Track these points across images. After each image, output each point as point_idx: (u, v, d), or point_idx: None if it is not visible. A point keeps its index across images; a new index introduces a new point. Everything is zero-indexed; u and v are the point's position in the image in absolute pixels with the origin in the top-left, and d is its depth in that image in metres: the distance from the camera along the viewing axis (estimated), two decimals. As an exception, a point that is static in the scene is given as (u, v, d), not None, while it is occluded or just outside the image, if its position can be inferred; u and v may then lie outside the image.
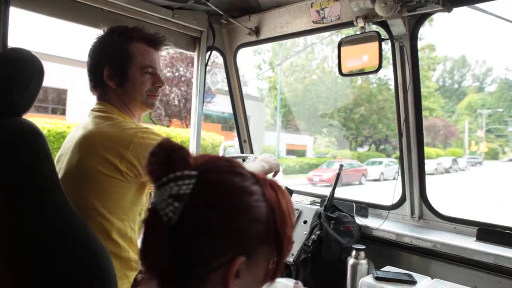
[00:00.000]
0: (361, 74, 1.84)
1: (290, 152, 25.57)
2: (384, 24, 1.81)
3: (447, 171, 31.54)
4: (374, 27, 1.88)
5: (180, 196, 0.58)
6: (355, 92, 24.18)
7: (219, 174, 0.63)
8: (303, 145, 27.42)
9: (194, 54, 2.26)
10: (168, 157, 0.59)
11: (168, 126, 13.18)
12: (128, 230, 1.23)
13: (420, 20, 1.78)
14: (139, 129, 1.22)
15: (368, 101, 24.08)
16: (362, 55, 1.85)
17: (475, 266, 1.54)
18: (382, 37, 1.79)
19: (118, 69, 1.30)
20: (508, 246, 1.55)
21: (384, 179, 19.56)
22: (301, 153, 26.08)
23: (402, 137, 1.86)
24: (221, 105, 16.95)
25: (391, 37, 1.82)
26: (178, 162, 0.60)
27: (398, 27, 1.77)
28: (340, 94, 24.96)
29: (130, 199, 1.23)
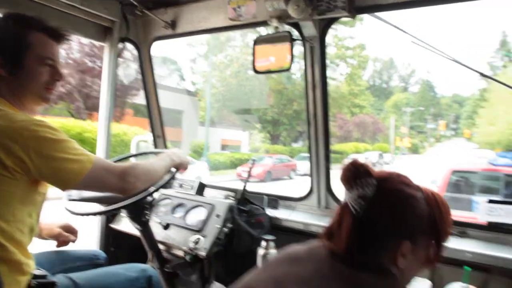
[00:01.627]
0: (273, 72, 1.91)
1: (225, 147, 25.60)
2: (296, 26, 1.89)
3: (373, 165, 33.74)
4: (288, 28, 1.95)
5: (366, 197, 0.83)
6: (288, 88, 24.84)
7: (393, 184, 0.87)
8: (238, 140, 27.61)
9: (105, 45, 2.16)
10: (357, 169, 0.85)
11: (84, 120, 12.32)
12: (15, 232, 1.14)
13: (328, 23, 1.89)
14: (31, 121, 1.13)
15: (301, 97, 24.90)
16: (274, 54, 1.91)
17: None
18: (295, 38, 1.87)
19: (11, 57, 1.21)
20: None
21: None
22: (236, 148, 26.23)
23: (311, 131, 1.96)
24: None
25: (303, 38, 1.91)
26: (363, 173, 0.84)
27: (309, 29, 1.86)
28: (274, 90, 25.48)
29: (18, 198, 1.13)
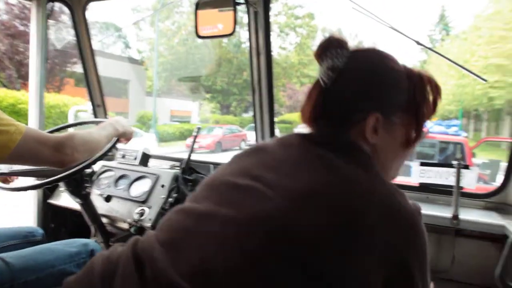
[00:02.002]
0: (217, 36, 1.85)
1: (175, 118, 25.04)
2: (240, -13, 1.83)
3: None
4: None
5: (335, 67, 0.76)
6: (238, 57, 24.52)
7: (368, 54, 0.80)
8: (188, 111, 27.10)
9: (32, 4, 1.96)
10: (329, 41, 0.77)
11: (18, 90, 11.37)
12: None
13: (272, -13, 1.85)
14: None
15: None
16: (220, 20, 1.85)
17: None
18: (238, 1, 1.82)
19: None
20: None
21: (263, 142, 20.60)
22: (186, 119, 25.76)
23: (255, 98, 1.95)
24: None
25: (247, 2, 1.85)
26: (335, 44, 0.77)
27: (252, -9, 1.81)
28: (224, 59, 25.05)
29: None
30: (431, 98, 0.80)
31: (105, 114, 2.41)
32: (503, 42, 15.74)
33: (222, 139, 18.09)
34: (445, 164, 1.70)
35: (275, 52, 23.36)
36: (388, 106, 0.77)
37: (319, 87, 0.78)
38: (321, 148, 0.72)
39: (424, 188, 1.76)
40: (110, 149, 1.47)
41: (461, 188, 1.67)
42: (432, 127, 9.27)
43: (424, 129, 0.80)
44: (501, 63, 15.99)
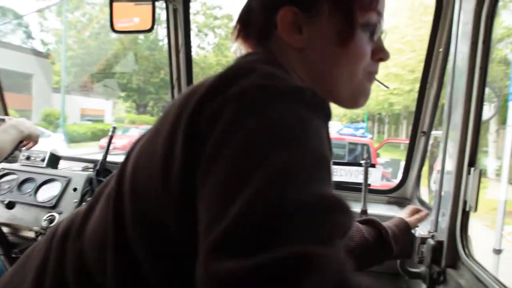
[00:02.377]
0: (134, 32, 1.78)
1: (86, 117, 23.34)
2: (159, -16, 1.78)
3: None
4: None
5: None
6: (155, 55, 23.74)
7: None
8: (101, 109, 25.47)
9: None
10: None
11: None
12: None
13: (193, -14, 1.83)
14: None
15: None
16: (138, 14, 1.78)
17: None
18: (158, -3, 1.77)
19: None
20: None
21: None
22: (99, 119, 24.19)
23: (174, 94, 1.93)
24: None
25: (166, -2, 1.82)
26: None
27: (171, -12, 1.78)
28: (140, 56, 24.06)
29: None
30: None
31: (5, 112, 2.17)
32: (400, 54, 17.57)
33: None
34: (355, 163, 1.85)
35: (194, 51, 23.12)
36: None
37: (246, 2, 0.71)
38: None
39: (337, 186, 1.90)
40: (12, 153, 1.34)
41: (369, 185, 1.83)
42: (342, 129, 10.01)
43: (365, 17, 0.63)
44: (399, 73, 17.86)
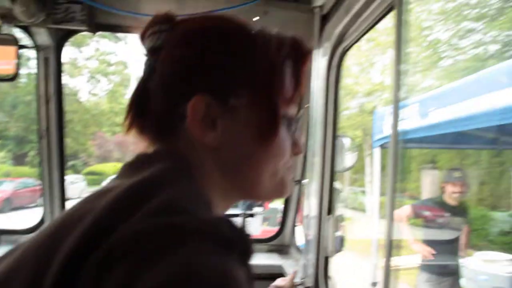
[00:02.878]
0: (-5, 79, 1.61)
1: None
2: (28, 30, 1.67)
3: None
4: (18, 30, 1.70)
5: (153, 48, 0.54)
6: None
7: (194, 22, 0.56)
8: (-35, 160, 21.94)
9: None
10: (154, 19, 0.55)
11: None
12: None
13: (67, 35, 1.76)
14: None
15: (54, 111, 22.10)
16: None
17: None
18: (26, 44, 1.65)
19: None
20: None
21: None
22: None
23: (43, 149, 1.76)
24: None
25: (36, 46, 1.70)
26: (159, 19, 0.55)
27: (42, 37, 1.68)
28: (20, 100, 21.78)
29: None
30: (290, 64, 0.55)
31: None
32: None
33: (13, 195, 15.17)
34: (232, 214, 1.87)
35: (85, 98, 21.79)
36: (221, 82, 0.52)
37: (140, 83, 0.57)
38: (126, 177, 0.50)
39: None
40: None
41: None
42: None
43: (289, 111, 0.56)
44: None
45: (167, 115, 0.53)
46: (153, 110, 0.54)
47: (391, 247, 0.83)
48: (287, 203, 1.85)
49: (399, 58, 0.78)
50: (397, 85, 0.81)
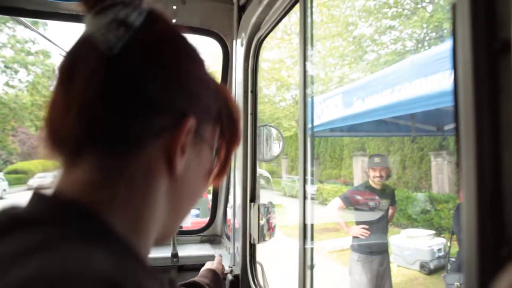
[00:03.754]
0: None
1: None
2: None
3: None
4: None
5: (129, 23, 0.42)
6: None
7: (175, 27, 0.47)
8: None
9: None
10: None
11: None
12: None
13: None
14: None
15: None
16: None
17: None
18: None
19: None
20: None
21: None
22: None
23: None
24: None
25: None
26: None
27: None
28: None
29: None
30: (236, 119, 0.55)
31: None
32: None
33: None
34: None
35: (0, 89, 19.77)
36: (200, 110, 0.47)
37: (95, 54, 0.41)
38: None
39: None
40: None
41: (180, 227, 1.84)
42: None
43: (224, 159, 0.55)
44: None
45: (127, 127, 0.41)
46: (104, 114, 0.40)
47: (306, 231, 0.88)
48: (216, 193, 1.86)
49: (305, 50, 0.81)
50: (304, 81, 0.84)
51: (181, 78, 0.45)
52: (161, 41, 0.45)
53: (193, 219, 1.85)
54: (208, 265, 1.25)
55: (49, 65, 22.97)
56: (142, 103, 0.41)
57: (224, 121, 0.52)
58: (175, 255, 1.66)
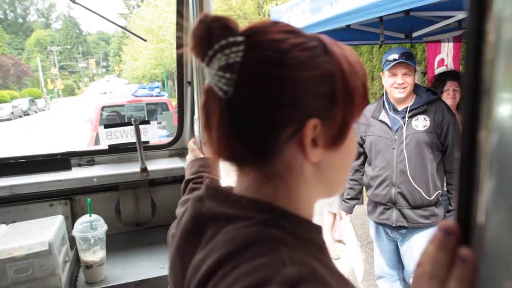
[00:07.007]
0: None
1: None
2: None
3: (25, 113, 30.10)
4: None
5: (231, 65, 0.50)
6: None
7: (270, 34, 0.52)
8: None
9: None
10: (209, 29, 0.50)
11: None
12: None
13: None
14: None
15: None
16: None
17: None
18: None
19: None
20: (23, 174, 1.61)
21: None
22: None
23: None
24: None
25: None
26: (220, 31, 0.50)
27: None
28: None
29: None
30: (359, 83, 0.56)
31: None
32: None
33: None
34: (125, 123, 1.77)
35: None
36: (320, 103, 0.52)
37: (218, 102, 0.51)
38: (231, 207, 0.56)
39: (114, 149, 1.79)
40: None
41: (147, 142, 1.80)
42: (137, 91, 9.67)
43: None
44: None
45: (267, 138, 0.52)
46: (249, 133, 0.52)
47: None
48: (181, 106, 1.80)
49: None
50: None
51: (293, 92, 0.50)
52: (263, 67, 0.50)
53: (161, 139, 1.81)
54: (190, 143, 1.22)
55: None
56: (267, 126, 0.51)
57: (340, 98, 0.53)
58: (144, 169, 1.64)
